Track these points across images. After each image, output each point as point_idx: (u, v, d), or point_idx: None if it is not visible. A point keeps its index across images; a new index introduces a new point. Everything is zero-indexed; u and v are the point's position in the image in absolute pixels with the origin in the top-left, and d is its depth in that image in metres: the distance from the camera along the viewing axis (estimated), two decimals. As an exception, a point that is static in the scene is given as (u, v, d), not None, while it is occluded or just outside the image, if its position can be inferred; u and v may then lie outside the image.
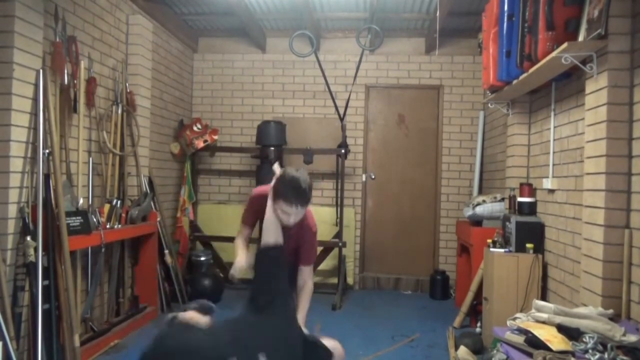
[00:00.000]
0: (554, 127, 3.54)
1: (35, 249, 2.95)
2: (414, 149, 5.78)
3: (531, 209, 3.72)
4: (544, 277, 3.58)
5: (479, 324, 4.01)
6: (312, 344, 2.21)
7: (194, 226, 5.49)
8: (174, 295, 4.63)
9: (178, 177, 5.47)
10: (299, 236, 2.54)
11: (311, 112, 5.85)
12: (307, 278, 2.59)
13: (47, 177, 3.11)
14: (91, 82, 3.66)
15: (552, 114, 3.56)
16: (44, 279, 2.97)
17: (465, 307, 4.22)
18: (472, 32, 5.36)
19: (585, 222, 2.77)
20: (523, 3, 3.15)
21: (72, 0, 3.57)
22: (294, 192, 2.30)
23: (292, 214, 2.33)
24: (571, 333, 2.27)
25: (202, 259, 5.11)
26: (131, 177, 4.31)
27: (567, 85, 3.34)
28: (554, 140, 3.53)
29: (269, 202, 2.40)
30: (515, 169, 4.08)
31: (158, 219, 4.41)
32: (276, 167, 2.59)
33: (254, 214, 2.65)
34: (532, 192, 3.76)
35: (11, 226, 2.94)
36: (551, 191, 3.56)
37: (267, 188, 2.52)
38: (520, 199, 3.76)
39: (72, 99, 3.47)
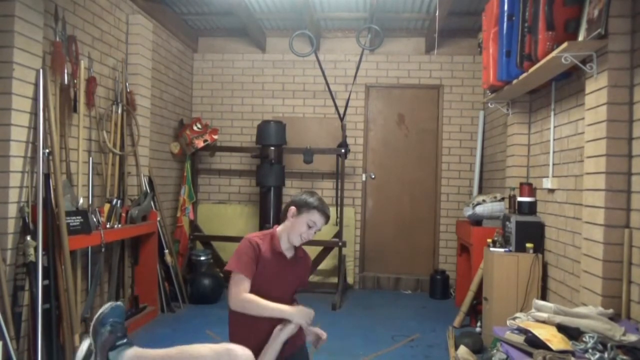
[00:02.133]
0: (554, 126, 3.54)
1: (35, 249, 2.95)
2: (414, 148, 5.78)
3: (531, 208, 3.72)
4: (544, 276, 3.58)
5: (479, 324, 4.01)
6: None
7: (194, 226, 5.49)
8: (174, 295, 4.63)
9: (178, 177, 5.48)
10: (304, 263, 2.41)
11: (311, 112, 5.85)
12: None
13: (47, 176, 3.10)
14: (91, 81, 3.66)
15: (552, 113, 3.56)
16: (44, 278, 2.97)
17: (465, 306, 4.22)
18: (472, 32, 5.36)
19: (585, 221, 2.77)
20: (523, 3, 3.15)
21: (72, 0, 3.57)
22: (324, 204, 2.31)
23: (317, 228, 2.29)
24: (571, 333, 2.27)
25: (202, 258, 5.11)
26: (131, 176, 4.31)
27: (567, 85, 3.35)
28: (554, 139, 3.53)
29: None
30: (515, 169, 4.08)
31: (158, 219, 4.41)
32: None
33: (254, 264, 2.21)
34: (532, 191, 3.76)
35: (11, 226, 2.94)
36: (551, 191, 3.56)
37: (263, 233, 2.34)
38: (520, 199, 3.76)
39: (72, 99, 3.47)
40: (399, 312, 4.75)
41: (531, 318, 2.52)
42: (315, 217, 2.26)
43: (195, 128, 5.35)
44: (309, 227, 2.26)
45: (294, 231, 2.26)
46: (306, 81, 5.86)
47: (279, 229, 2.33)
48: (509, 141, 4.24)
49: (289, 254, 2.32)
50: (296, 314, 2.17)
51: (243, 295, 2.12)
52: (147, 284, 4.32)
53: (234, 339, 2.18)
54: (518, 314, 2.71)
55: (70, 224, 3.19)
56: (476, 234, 4.26)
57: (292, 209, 2.28)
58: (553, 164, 3.53)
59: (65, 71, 3.35)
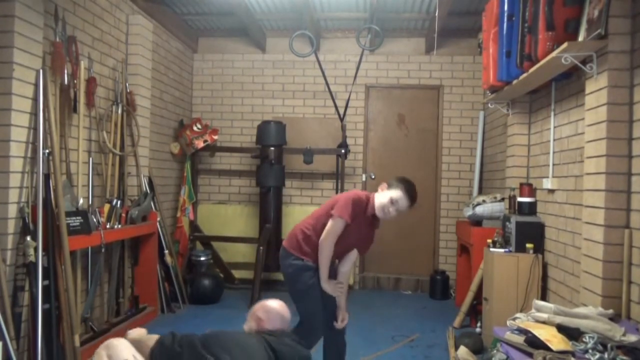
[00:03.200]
0: (554, 127, 3.54)
1: (35, 249, 2.95)
2: (414, 149, 5.78)
3: (531, 209, 3.72)
4: (544, 277, 3.58)
5: (479, 324, 4.01)
6: None
7: (194, 226, 5.49)
8: (174, 295, 4.63)
9: (178, 177, 5.47)
10: (376, 228, 2.83)
11: (311, 112, 5.85)
12: None
13: (47, 177, 3.10)
14: (91, 82, 3.66)
15: (552, 114, 3.56)
16: (44, 279, 2.97)
17: (465, 307, 4.22)
18: (472, 32, 5.36)
19: (585, 222, 2.77)
20: (523, 3, 3.15)
21: (72, 0, 3.57)
22: (413, 188, 2.67)
23: (399, 207, 2.63)
24: (571, 333, 2.27)
25: (202, 259, 5.11)
26: (131, 177, 4.31)
27: (567, 85, 3.34)
28: (554, 140, 3.53)
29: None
30: (515, 169, 4.08)
31: (158, 219, 4.41)
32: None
33: (354, 217, 2.62)
34: (532, 192, 3.76)
35: (11, 226, 2.94)
36: (551, 191, 3.56)
37: (366, 194, 2.70)
38: (520, 199, 3.76)
39: (72, 99, 3.47)
40: (399, 312, 4.76)
41: (531, 318, 2.52)
42: (399, 194, 2.60)
43: (195, 128, 5.35)
44: (392, 202, 2.59)
45: (378, 203, 2.62)
46: (306, 81, 5.85)
47: (374, 196, 2.66)
48: (509, 141, 4.24)
49: (374, 219, 2.71)
50: (325, 285, 2.65)
51: (330, 247, 2.58)
52: (147, 284, 4.32)
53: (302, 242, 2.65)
54: (518, 315, 2.71)
55: (70, 224, 3.20)
56: (476, 234, 4.26)
57: (384, 184, 2.67)
58: (553, 165, 3.53)
59: (65, 71, 3.35)
